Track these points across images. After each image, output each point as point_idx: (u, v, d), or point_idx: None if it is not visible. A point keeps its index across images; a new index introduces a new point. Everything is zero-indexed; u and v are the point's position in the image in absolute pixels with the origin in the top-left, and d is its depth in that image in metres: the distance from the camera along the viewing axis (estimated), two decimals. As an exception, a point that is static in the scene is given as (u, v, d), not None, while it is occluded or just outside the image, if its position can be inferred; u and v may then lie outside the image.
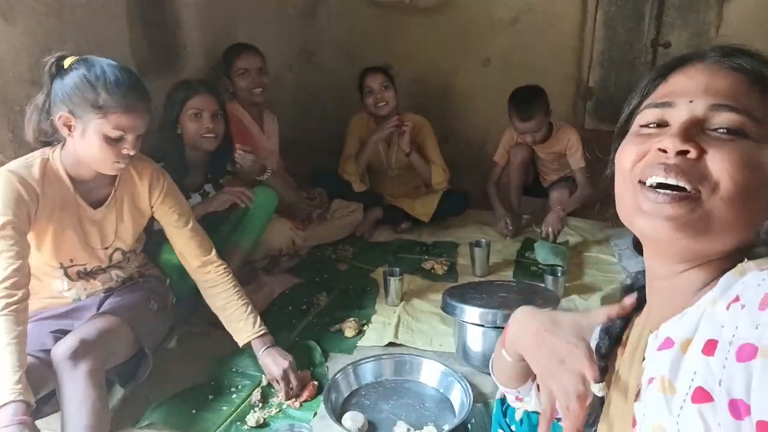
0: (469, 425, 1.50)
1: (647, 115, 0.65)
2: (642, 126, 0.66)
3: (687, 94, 0.62)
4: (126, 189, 1.58)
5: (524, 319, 0.82)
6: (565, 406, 0.71)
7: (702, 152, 0.58)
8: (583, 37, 3.41)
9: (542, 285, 2.10)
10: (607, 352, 0.78)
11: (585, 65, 3.45)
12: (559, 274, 2.20)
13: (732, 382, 0.52)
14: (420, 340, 1.93)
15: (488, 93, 3.47)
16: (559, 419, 0.92)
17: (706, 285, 0.62)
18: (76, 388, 1.27)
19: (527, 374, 0.89)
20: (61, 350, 1.31)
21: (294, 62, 3.47)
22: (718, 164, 0.57)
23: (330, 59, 3.54)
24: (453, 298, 1.77)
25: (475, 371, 1.75)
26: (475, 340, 1.73)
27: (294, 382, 1.61)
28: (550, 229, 2.61)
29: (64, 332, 1.42)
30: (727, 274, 0.59)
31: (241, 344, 1.65)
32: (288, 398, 1.61)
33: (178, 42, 2.55)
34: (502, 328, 1.61)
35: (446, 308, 1.78)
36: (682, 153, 0.58)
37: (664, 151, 0.60)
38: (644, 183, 0.61)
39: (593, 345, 0.86)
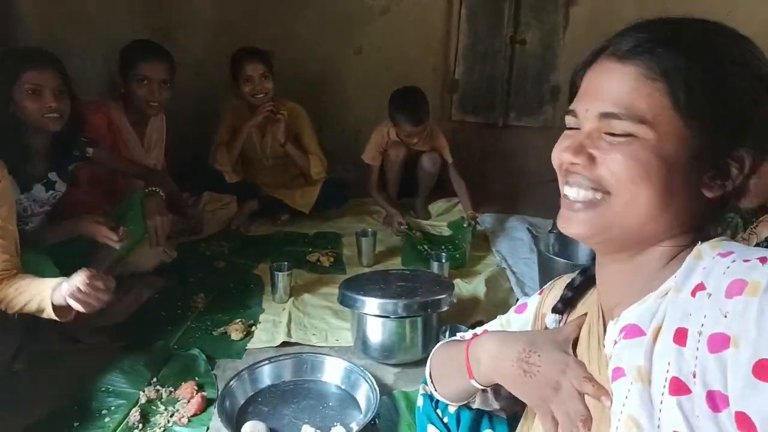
0: (376, 420, 1.45)
1: (567, 119, 0.69)
2: (569, 128, 0.69)
3: (585, 102, 0.65)
4: None
5: (497, 349, 0.79)
6: (569, 431, 0.69)
7: (593, 161, 0.62)
8: (449, 30, 3.53)
9: (434, 272, 2.13)
10: (565, 308, 0.81)
11: (451, 58, 3.59)
12: (443, 260, 2.24)
13: (707, 374, 0.52)
14: (315, 336, 1.83)
15: (362, 81, 3.47)
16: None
17: (662, 268, 0.63)
18: None
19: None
20: None
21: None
22: (606, 171, 0.61)
23: (192, 39, 3.23)
24: (351, 290, 1.70)
25: (375, 363, 1.70)
26: (375, 331, 1.68)
27: None
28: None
29: None
30: (687, 259, 0.60)
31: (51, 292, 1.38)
32: None
33: (11, 12, 2.13)
34: (403, 317, 1.64)
35: (345, 301, 1.71)
36: (575, 163, 0.64)
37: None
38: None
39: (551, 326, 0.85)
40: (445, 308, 1.70)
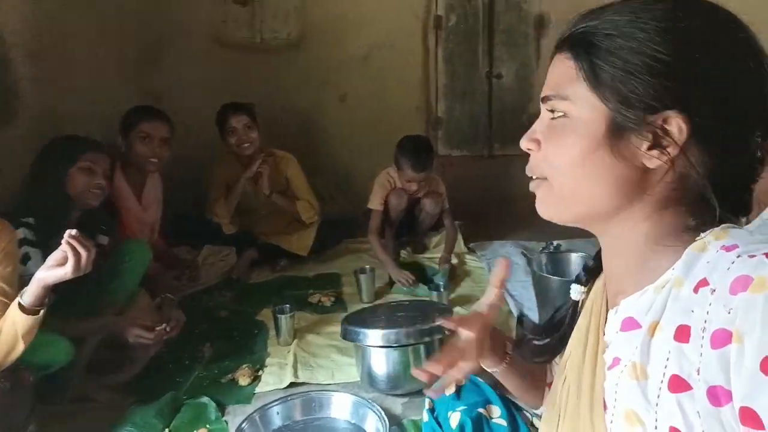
0: (388, 451, 1.46)
1: None
2: None
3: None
4: None
5: None
6: None
7: (539, 143, 0.67)
8: (427, 71, 3.69)
9: (433, 300, 2.17)
10: (588, 278, 0.79)
11: (432, 97, 3.73)
12: (442, 290, 2.29)
13: (709, 370, 0.51)
14: (321, 375, 1.86)
15: (348, 125, 3.59)
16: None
17: (662, 258, 0.61)
18: None
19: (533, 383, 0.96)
20: None
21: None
22: (545, 150, 0.66)
23: (182, 101, 3.36)
24: (354, 324, 1.75)
25: (382, 396, 1.72)
26: (380, 363, 1.71)
27: None
28: (446, 265, 2.72)
29: None
30: (687, 250, 0.59)
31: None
32: None
33: (5, 86, 2.24)
34: (407, 346, 1.67)
35: (348, 335, 1.74)
36: (529, 149, 0.68)
37: None
38: None
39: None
40: (447, 333, 1.73)
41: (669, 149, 0.57)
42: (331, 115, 3.59)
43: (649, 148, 0.58)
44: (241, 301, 2.48)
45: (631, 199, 0.61)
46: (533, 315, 2.25)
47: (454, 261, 2.89)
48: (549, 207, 0.68)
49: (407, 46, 3.60)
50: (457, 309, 2.30)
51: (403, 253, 3.00)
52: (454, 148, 3.76)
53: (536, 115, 0.72)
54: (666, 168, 0.59)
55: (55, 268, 1.35)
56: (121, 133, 2.32)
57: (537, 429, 1.02)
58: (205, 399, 1.71)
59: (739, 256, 0.53)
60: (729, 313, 0.50)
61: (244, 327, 2.22)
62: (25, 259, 1.64)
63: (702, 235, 0.59)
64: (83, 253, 1.35)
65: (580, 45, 0.61)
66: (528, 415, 1.04)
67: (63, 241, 1.34)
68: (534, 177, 0.69)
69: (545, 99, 0.66)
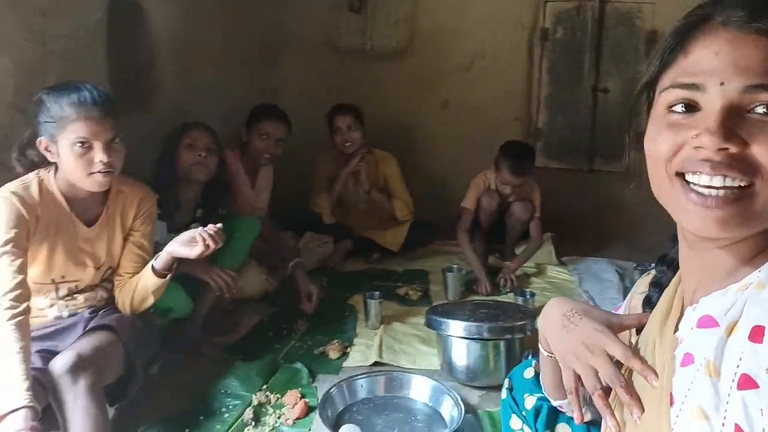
0: (461, 435, 1.55)
1: (673, 94, 0.60)
2: (669, 108, 0.61)
3: (716, 75, 0.56)
4: (117, 208, 1.60)
5: (553, 305, 0.81)
6: (593, 386, 0.69)
7: (745, 144, 0.55)
8: (530, 82, 3.71)
9: (519, 303, 2.22)
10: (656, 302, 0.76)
11: (533, 108, 3.74)
12: (528, 296, 2.33)
13: None
14: (404, 359, 1.98)
15: (448, 132, 3.70)
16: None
17: (751, 258, 0.60)
18: (77, 402, 1.25)
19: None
20: (59, 365, 1.29)
21: (259, 102, 3.56)
22: (762, 154, 0.54)
23: (294, 101, 3.64)
24: (438, 314, 1.85)
25: (459, 385, 1.81)
26: (460, 353, 1.80)
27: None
28: (509, 282, 2.67)
29: (50, 353, 1.38)
30: None
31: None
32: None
33: (153, 77, 2.58)
34: (487, 340, 1.75)
35: (431, 324, 1.85)
36: (723, 149, 0.55)
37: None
38: (684, 175, 0.59)
39: (641, 299, 0.83)
40: (528, 334, 1.79)
41: None
42: (432, 122, 3.73)
43: None
44: (335, 286, 2.68)
45: None
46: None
47: (533, 270, 2.90)
48: (742, 221, 0.57)
49: (511, 56, 3.65)
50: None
51: (491, 259, 3.05)
52: (553, 159, 3.74)
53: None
54: None
55: (185, 246, 1.55)
56: (246, 126, 2.59)
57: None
58: (299, 365, 1.90)
59: None
60: None
61: (336, 309, 2.40)
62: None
63: None
64: (212, 246, 1.55)
65: None
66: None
67: (202, 229, 1.54)
68: (732, 179, 0.56)
69: (757, 88, 0.54)
